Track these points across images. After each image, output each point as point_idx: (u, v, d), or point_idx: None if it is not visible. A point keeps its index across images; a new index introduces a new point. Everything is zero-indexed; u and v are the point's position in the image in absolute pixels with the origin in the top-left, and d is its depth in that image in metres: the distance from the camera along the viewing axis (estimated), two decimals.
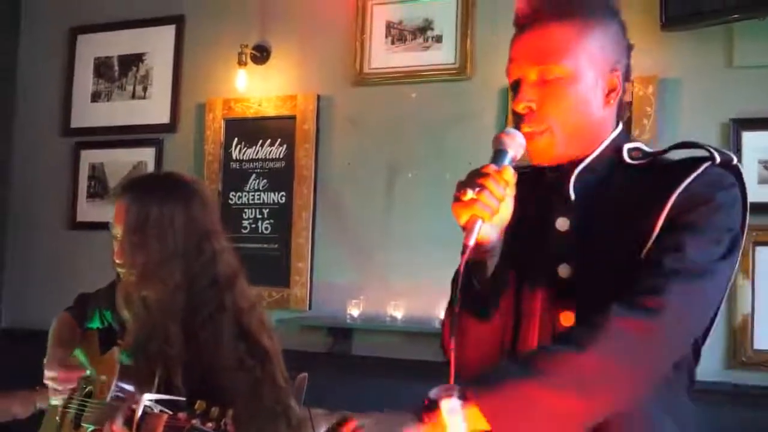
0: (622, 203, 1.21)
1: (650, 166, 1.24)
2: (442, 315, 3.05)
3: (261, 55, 3.59)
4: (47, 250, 3.98)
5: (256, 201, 3.57)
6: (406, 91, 3.36)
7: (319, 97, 3.49)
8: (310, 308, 3.42)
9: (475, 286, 1.22)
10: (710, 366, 2.70)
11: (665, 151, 1.27)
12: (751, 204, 1.33)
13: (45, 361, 1.97)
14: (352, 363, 3.26)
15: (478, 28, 3.25)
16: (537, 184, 1.29)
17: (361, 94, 3.44)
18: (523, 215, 1.27)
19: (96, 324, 2.06)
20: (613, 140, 1.26)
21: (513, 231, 1.25)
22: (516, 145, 1.19)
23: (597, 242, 1.21)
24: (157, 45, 3.86)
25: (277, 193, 3.54)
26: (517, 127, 1.23)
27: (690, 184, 1.16)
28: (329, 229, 3.45)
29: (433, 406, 1.08)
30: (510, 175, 1.16)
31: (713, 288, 1.15)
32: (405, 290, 3.22)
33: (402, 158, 3.34)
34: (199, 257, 1.79)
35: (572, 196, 1.24)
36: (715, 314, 1.20)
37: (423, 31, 3.36)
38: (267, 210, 3.55)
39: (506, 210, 1.17)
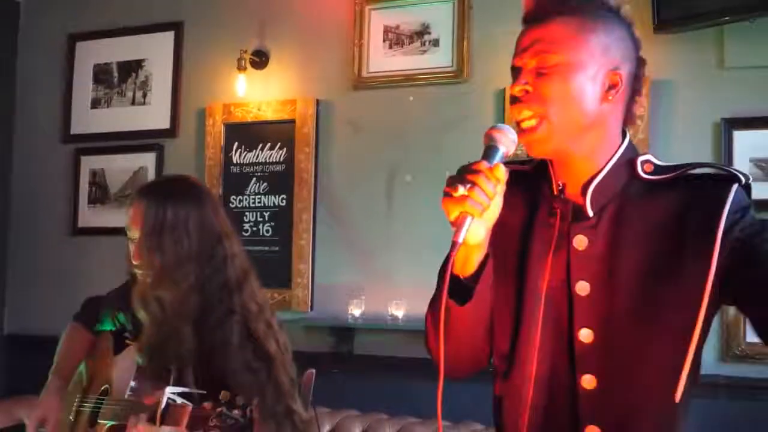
0: (648, 223, 1.22)
1: (670, 183, 1.24)
2: None
3: (260, 60, 3.64)
4: (49, 257, 4.02)
5: (256, 204, 3.62)
6: (405, 95, 3.42)
7: (318, 101, 3.54)
8: (311, 309, 3.46)
9: (461, 280, 1.22)
10: (704, 359, 2.74)
11: (678, 168, 1.26)
12: None
13: (43, 391, 2.04)
14: (354, 362, 3.31)
15: (474, 31, 3.31)
16: (536, 186, 1.30)
17: (360, 98, 3.50)
18: (527, 219, 1.28)
19: (108, 326, 2.10)
20: (624, 152, 1.27)
21: (514, 233, 1.27)
22: (508, 141, 1.18)
23: (622, 261, 1.22)
24: (156, 51, 3.90)
25: (277, 196, 3.59)
26: (513, 112, 1.24)
27: (729, 211, 1.19)
28: (330, 231, 3.50)
29: None
30: (501, 173, 1.15)
31: None
32: (406, 290, 3.27)
33: (401, 160, 3.40)
34: (212, 260, 1.85)
35: (591, 213, 1.25)
36: None
37: (420, 35, 3.41)
38: (268, 213, 3.60)
39: (496, 208, 1.17)
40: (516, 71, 1.25)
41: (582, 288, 1.23)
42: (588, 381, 1.22)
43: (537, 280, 1.26)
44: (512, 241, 1.26)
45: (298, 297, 3.47)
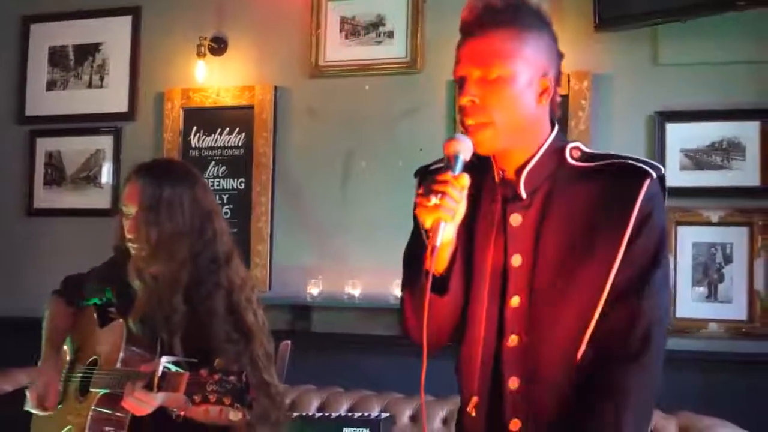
0: (572, 206, 1.40)
1: (593, 171, 1.42)
2: (396, 292, 3.30)
3: (219, 46, 3.73)
4: (5, 238, 4.03)
5: (215, 187, 3.71)
6: (360, 84, 3.56)
7: (276, 88, 3.65)
8: (270, 289, 3.60)
9: (436, 274, 1.39)
10: None
11: (602, 156, 1.44)
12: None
13: (40, 362, 2.14)
14: (312, 339, 3.45)
15: (427, 24, 3.47)
16: (484, 177, 1.47)
17: (317, 86, 3.63)
18: (477, 209, 1.45)
19: (94, 301, 2.21)
20: (553, 141, 1.45)
21: (469, 224, 1.43)
22: (466, 149, 1.35)
23: (548, 237, 1.40)
24: (113, 35, 3.95)
25: (236, 180, 3.71)
26: (462, 119, 1.41)
27: (640, 206, 1.36)
28: (288, 213, 3.63)
29: None
30: (465, 181, 1.32)
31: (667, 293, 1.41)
32: (361, 270, 3.43)
33: (356, 146, 3.55)
34: (202, 235, 1.99)
35: (524, 195, 1.43)
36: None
37: (375, 26, 3.56)
38: (226, 196, 3.71)
39: (462, 209, 1.33)
40: (461, 81, 1.41)
41: (516, 260, 1.42)
42: (511, 340, 1.41)
43: (484, 256, 1.44)
44: (463, 224, 1.41)
45: (256, 277, 3.58)
